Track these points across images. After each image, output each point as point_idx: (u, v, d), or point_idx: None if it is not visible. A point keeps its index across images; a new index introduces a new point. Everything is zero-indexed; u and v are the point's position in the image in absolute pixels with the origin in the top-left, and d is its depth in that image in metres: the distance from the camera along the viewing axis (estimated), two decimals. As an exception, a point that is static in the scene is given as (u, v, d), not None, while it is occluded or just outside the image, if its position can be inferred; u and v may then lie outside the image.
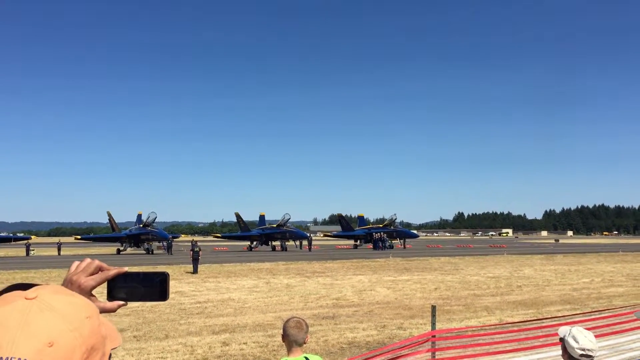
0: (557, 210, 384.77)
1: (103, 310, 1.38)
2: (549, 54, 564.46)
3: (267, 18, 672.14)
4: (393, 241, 77.50)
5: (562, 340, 3.95)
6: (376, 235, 72.65)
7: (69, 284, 1.38)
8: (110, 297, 1.44)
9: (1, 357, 0.99)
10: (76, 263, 1.43)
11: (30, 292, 1.09)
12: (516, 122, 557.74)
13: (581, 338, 3.83)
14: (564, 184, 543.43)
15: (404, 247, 75.64)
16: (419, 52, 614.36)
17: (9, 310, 1.05)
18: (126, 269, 1.44)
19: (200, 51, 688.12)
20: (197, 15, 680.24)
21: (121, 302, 1.43)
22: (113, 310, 1.42)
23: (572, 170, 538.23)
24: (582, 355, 3.80)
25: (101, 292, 1.39)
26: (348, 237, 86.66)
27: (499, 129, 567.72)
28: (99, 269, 1.41)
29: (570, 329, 3.92)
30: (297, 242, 76.45)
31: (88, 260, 1.43)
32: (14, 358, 0.98)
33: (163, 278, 1.48)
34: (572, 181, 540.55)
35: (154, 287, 1.47)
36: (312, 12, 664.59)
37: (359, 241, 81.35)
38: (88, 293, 1.37)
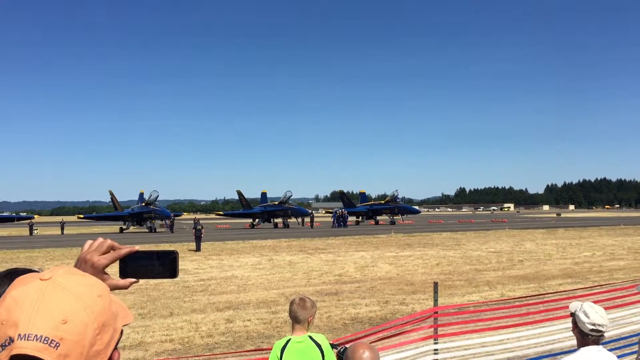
0: (559, 185, 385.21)
1: (116, 287, 1.45)
2: (549, 28, 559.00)
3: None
4: (395, 217, 77.66)
5: (572, 315, 3.99)
6: (338, 213, 71.64)
7: (82, 262, 1.45)
8: (123, 274, 1.50)
9: (19, 334, 1.05)
10: (89, 242, 1.49)
11: (45, 274, 1.16)
12: (518, 97, 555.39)
13: (592, 313, 3.86)
14: (565, 158, 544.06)
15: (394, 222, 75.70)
16: (421, 28, 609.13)
17: (26, 290, 1.11)
18: (137, 247, 1.50)
19: (200, 28, 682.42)
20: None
21: (133, 280, 1.50)
22: (125, 287, 1.48)
23: (573, 144, 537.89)
24: (592, 330, 3.85)
25: (114, 270, 1.39)
26: (350, 214, 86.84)
27: (500, 104, 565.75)
28: (111, 248, 1.48)
29: (581, 304, 3.95)
30: (299, 219, 76.60)
31: (100, 239, 1.49)
32: (31, 334, 1.05)
33: (173, 256, 1.54)
34: (574, 155, 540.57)
35: (165, 265, 1.53)
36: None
37: (360, 217, 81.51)
38: (101, 271, 1.44)
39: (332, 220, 70.96)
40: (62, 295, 1.11)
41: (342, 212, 71.92)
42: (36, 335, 1.04)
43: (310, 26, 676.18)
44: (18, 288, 1.13)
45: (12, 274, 2.24)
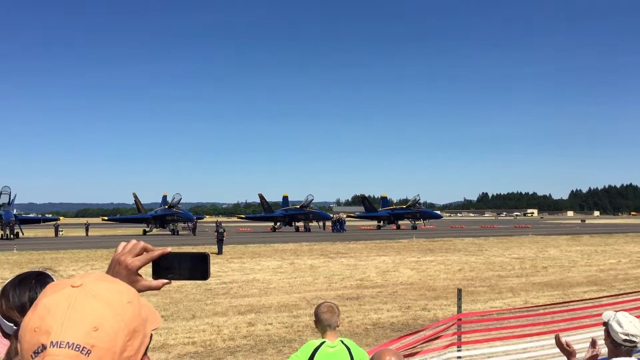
0: (584, 190, 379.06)
1: (148, 289, 1.47)
2: (574, 32, 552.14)
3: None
4: (417, 222, 77.26)
5: (605, 324, 3.90)
6: (335, 217, 71.02)
7: (116, 263, 1.47)
8: (155, 276, 1.51)
9: (51, 342, 1.05)
10: (123, 244, 1.51)
11: (75, 280, 1.16)
12: (542, 101, 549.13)
13: (626, 323, 3.78)
14: (591, 163, 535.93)
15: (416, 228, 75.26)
16: (442, 32, 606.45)
17: (57, 297, 1.12)
18: (169, 249, 1.52)
19: (222, 30, 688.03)
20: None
21: (165, 281, 1.51)
22: (158, 288, 1.50)
23: (599, 149, 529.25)
24: (625, 340, 3.76)
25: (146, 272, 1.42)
26: (371, 218, 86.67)
27: (524, 107, 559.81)
28: (144, 250, 1.49)
29: (614, 314, 3.87)
30: (320, 223, 76.71)
31: (134, 241, 1.51)
32: (63, 342, 1.05)
33: (204, 258, 1.55)
34: (600, 160, 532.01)
35: (196, 267, 1.54)
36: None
37: (382, 222, 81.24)
38: (134, 273, 1.46)
39: (332, 225, 70.26)
40: (93, 302, 1.11)
41: (338, 216, 71.56)
42: (68, 342, 1.05)
43: (335, 29, 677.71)
44: (50, 295, 1.13)
45: (39, 277, 2.30)
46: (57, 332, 1.06)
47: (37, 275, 2.30)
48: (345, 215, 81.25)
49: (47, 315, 1.09)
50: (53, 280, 2.23)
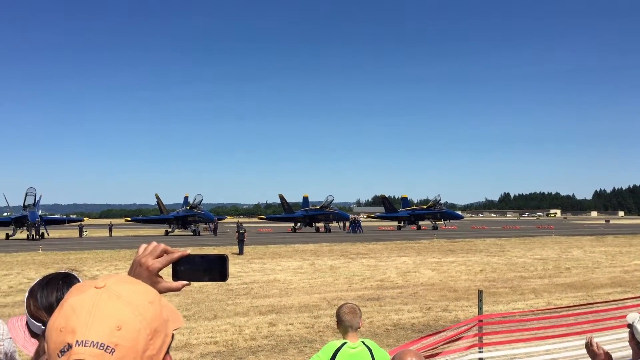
0: (608, 190, 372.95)
1: (169, 290, 1.50)
2: (596, 32, 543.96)
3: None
4: (437, 222, 76.83)
5: (630, 326, 3.84)
6: (352, 218, 70.71)
7: (137, 265, 1.50)
8: (175, 277, 1.54)
9: (77, 340, 1.09)
10: (143, 246, 1.55)
11: (99, 282, 1.20)
12: (565, 100, 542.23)
13: None
14: (615, 163, 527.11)
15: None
16: (460, 31, 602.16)
17: (82, 298, 1.16)
18: (189, 251, 1.55)
19: (245, 32, 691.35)
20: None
21: (185, 282, 1.54)
22: (178, 290, 1.53)
23: (623, 148, 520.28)
24: None
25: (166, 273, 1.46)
26: (391, 219, 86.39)
27: (546, 106, 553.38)
28: (165, 252, 1.53)
29: (639, 315, 3.82)
30: (341, 224, 76.69)
31: (154, 243, 1.54)
32: (88, 341, 1.09)
33: (223, 260, 1.57)
34: (624, 159, 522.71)
35: (215, 269, 1.57)
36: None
37: (402, 222, 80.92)
38: (155, 274, 1.49)
39: (350, 227, 69.99)
40: (116, 302, 1.15)
41: (354, 217, 71.35)
42: (93, 341, 1.09)
43: (358, 29, 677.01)
44: (75, 296, 1.17)
45: (65, 278, 2.36)
46: (82, 332, 1.10)
47: (64, 277, 2.36)
48: (365, 216, 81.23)
49: (72, 315, 1.13)
50: (79, 281, 2.29)
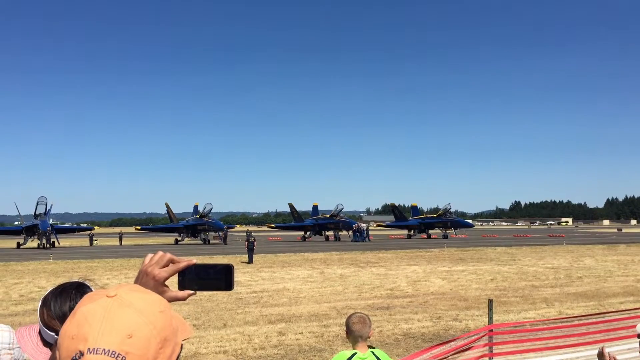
0: (620, 198, 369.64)
1: (175, 299, 1.51)
2: (605, 38, 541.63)
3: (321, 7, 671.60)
4: (448, 231, 76.50)
5: (639, 336, 3.82)
6: (355, 226, 69.85)
7: (144, 275, 1.51)
8: (181, 287, 1.55)
9: (88, 348, 1.12)
10: (150, 255, 1.56)
11: (110, 291, 1.23)
12: (575, 108, 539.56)
13: None
14: (627, 170, 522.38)
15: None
16: (466, 40, 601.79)
17: (93, 307, 1.19)
18: (195, 260, 1.56)
19: (254, 40, 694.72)
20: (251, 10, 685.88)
21: (191, 292, 1.55)
22: (184, 299, 1.54)
23: (636, 156, 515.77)
24: None
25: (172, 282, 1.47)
26: (401, 227, 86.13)
27: (557, 114, 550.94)
28: (171, 261, 1.54)
29: None
30: (350, 232, 76.50)
31: (160, 253, 1.55)
32: (99, 348, 1.11)
33: (229, 269, 1.59)
34: (637, 167, 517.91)
35: (221, 278, 1.58)
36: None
37: (412, 231, 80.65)
38: (161, 284, 1.50)
39: (353, 234, 69.28)
40: (127, 311, 1.17)
41: (357, 225, 70.63)
42: (104, 349, 1.11)
43: (360, 39, 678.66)
44: (87, 305, 1.20)
45: (78, 287, 2.38)
46: (94, 340, 1.12)
47: (77, 286, 2.39)
48: (375, 224, 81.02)
49: (84, 324, 1.15)
50: (92, 291, 2.31)
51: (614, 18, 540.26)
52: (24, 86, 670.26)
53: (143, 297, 1.23)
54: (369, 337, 4.59)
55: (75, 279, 2.47)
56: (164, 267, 1.52)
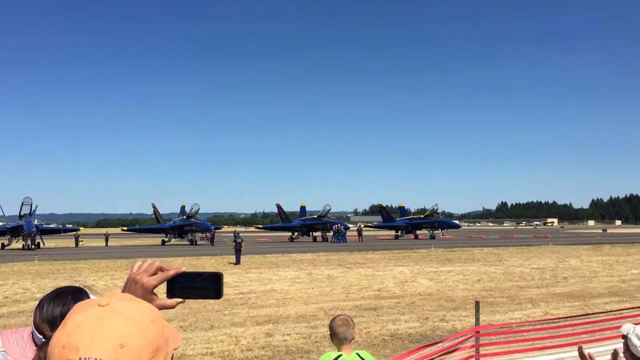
0: (605, 199, 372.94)
1: (163, 307, 1.51)
2: (597, 40, 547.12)
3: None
4: (435, 232, 76.81)
5: (624, 337, 3.84)
6: (334, 228, 69.77)
7: (132, 282, 1.51)
8: (170, 295, 1.55)
9: (80, 358, 1.11)
10: (138, 263, 1.56)
11: (102, 300, 1.22)
12: (561, 109, 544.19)
13: None
14: (612, 172, 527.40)
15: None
16: (465, 39, 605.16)
17: (85, 316, 1.18)
18: (183, 269, 1.56)
19: (244, 38, 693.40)
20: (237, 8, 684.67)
21: (179, 300, 1.55)
22: (172, 307, 1.54)
23: (620, 157, 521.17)
24: None
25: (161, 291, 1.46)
26: (389, 228, 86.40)
27: (543, 115, 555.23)
28: (159, 269, 1.54)
29: (634, 327, 3.80)
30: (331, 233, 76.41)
31: (149, 261, 1.56)
32: (90, 358, 1.10)
33: (218, 277, 1.59)
34: (621, 168, 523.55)
35: (210, 286, 1.59)
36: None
37: (400, 232, 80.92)
38: (150, 292, 1.50)
39: (332, 235, 69.48)
40: (119, 320, 1.16)
41: (337, 227, 70.30)
42: (96, 358, 1.10)
43: (353, 38, 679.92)
44: (78, 314, 1.19)
45: (75, 293, 2.35)
46: (86, 349, 1.11)
47: (74, 292, 2.35)
48: (363, 225, 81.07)
49: (75, 333, 1.14)
50: (89, 298, 2.28)
51: (592, 19, 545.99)
52: (7, 84, 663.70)
53: (135, 307, 1.23)
54: (354, 339, 4.60)
55: (75, 284, 2.44)
56: (152, 275, 1.52)
